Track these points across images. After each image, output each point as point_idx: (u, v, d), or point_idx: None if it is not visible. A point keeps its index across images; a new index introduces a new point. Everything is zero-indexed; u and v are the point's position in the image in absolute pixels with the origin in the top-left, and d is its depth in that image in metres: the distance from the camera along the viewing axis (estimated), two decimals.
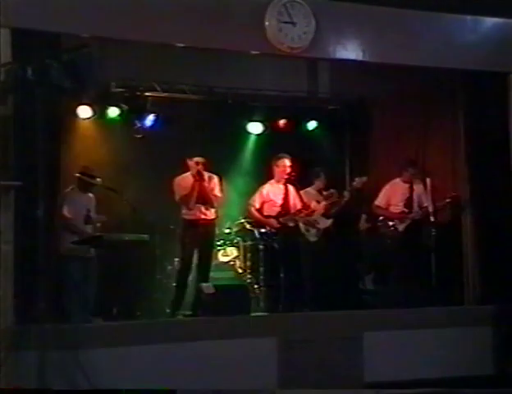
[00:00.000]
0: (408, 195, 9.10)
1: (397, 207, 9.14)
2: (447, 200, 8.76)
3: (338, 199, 9.24)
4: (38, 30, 6.69)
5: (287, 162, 8.86)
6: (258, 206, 8.94)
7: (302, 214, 8.98)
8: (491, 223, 8.46)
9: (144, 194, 9.35)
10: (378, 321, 7.70)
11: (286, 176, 8.83)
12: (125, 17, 7.03)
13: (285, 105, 10.49)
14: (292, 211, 8.87)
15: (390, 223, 9.09)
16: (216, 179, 8.63)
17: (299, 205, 8.88)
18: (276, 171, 8.92)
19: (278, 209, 8.87)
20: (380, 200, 9.23)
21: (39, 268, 6.06)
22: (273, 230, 8.80)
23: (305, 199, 9.02)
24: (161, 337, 6.83)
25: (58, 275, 7.20)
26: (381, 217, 9.23)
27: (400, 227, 9.03)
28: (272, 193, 8.95)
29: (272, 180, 9.01)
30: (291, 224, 8.93)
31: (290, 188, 8.89)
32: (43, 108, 6.22)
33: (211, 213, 8.55)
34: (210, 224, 8.58)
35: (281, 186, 8.90)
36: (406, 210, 9.07)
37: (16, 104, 6.53)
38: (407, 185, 9.14)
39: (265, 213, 8.91)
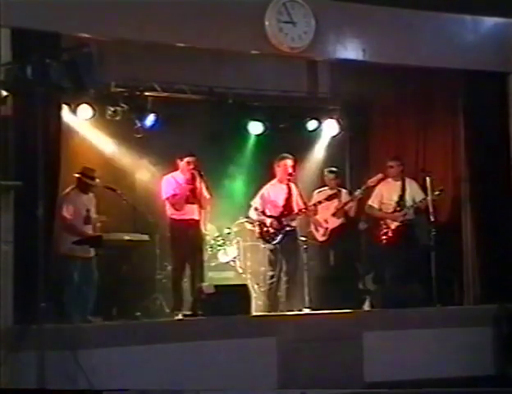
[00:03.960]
0: (400, 193, 9.09)
1: (390, 206, 9.14)
2: (436, 193, 8.74)
3: (352, 195, 9.27)
4: (38, 30, 6.70)
5: (289, 162, 8.85)
6: (260, 207, 8.92)
7: (304, 214, 8.97)
8: (491, 223, 8.47)
9: (144, 194, 9.35)
10: (378, 321, 7.70)
11: (288, 177, 8.82)
12: (125, 17, 7.04)
13: (285, 105, 10.47)
14: (294, 211, 8.85)
15: (384, 222, 9.10)
16: (202, 180, 8.57)
17: (301, 205, 8.87)
18: (278, 171, 8.91)
19: (280, 210, 8.86)
20: (372, 200, 9.24)
21: (39, 268, 6.05)
22: (276, 230, 8.78)
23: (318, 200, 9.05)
24: (161, 337, 6.84)
25: (58, 275, 7.20)
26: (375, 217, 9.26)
27: (393, 225, 9.03)
28: (274, 193, 8.93)
29: (274, 181, 9.01)
30: (294, 224, 8.92)
31: (293, 188, 8.88)
32: (43, 108, 6.23)
33: (198, 214, 8.51)
34: (198, 224, 8.54)
35: (283, 186, 8.89)
36: (399, 208, 9.06)
37: (16, 104, 6.54)
38: (399, 183, 9.13)
39: (267, 214, 8.90)
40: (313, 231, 9.37)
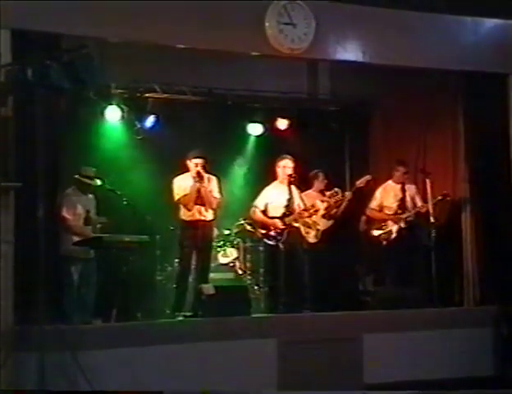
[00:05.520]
0: (401, 196, 9.12)
1: (391, 209, 9.16)
2: (438, 198, 8.77)
3: (341, 198, 9.27)
4: (38, 31, 6.70)
5: (290, 163, 8.84)
6: (262, 208, 8.92)
7: (306, 215, 8.97)
8: (491, 223, 8.48)
9: (145, 195, 9.34)
10: (378, 322, 7.70)
11: (289, 177, 8.82)
12: (126, 18, 7.04)
13: (285, 106, 10.48)
14: (296, 212, 8.85)
15: (384, 224, 9.11)
16: (215, 180, 8.62)
17: (302, 206, 8.87)
18: (279, 172, 8.91)
19: (282, 211, 8.85)
20: (373, 203, 9.26)
21: (39, 269, 6.05)
22: (278, 231, 8.77)
23: (306, 201, 9.01)
24: (161, 338, 6.83)
25: (58, 276, 7.20)
26: (376, 219, 9.26)
27: (394, 228, 9.05)
28: (276, 194, 8.92)
29: (275, 182, 9.00)
30: (296, 225, 8.92)
31: (294, 189, 8.88)
32: (43, 109, 6.23)
33: (209, 215, 8.54)
34: (208, 225, 8.57)
35: (285, 187, 8.88)
36: (400, 211, 9.09)
37: (16, 105, 6.54)
38: (399, 187, 9.16)
39: (269, 215, 8.89)
40: (304, 232, 9.31)
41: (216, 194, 8.55)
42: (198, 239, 8.43)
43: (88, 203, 8.29)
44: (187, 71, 9.49)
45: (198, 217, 8.46)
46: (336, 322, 7.58)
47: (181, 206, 8.52)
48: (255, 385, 6.96)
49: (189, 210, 8.45)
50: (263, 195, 8.96)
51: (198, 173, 8.39)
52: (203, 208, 8.46)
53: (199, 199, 8.43)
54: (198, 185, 8.38)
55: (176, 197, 8.49)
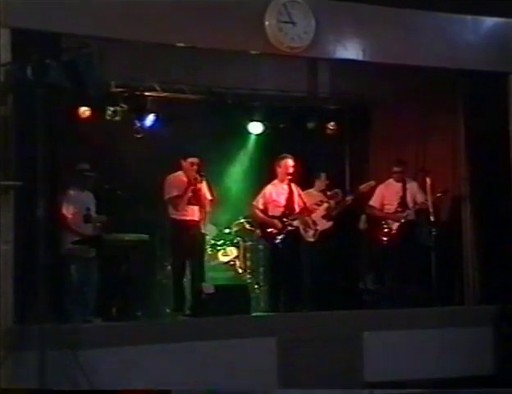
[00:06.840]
0: (401, 194, 9.12)
1: (391, 206, 9.16)
2: (438, 194, 8.78)
3: (342, 200, 9.27)
4: (38, 30, 6.70)
5: (290, 162, 8.85)
6: (261, 206, 8.92)
7: (306, 214, 8.97)
8: (491, 223, 8.47)
9: (144, 194, 9.34)
10: (378, 321, 7.70)
11: (289, 176, 8.83)
12: (125, 17, 7.04)
13: (285, 105, 10.47)
14: (296, 211, 8.86)
15: (385, 222, 9.11)
16: (204, 182, 8.58)
17: (302, 205, 8.87)
18: (279, 171, 8.92)
19: (282, 209, 8.86)
20: (374, 200, 9.27)
21: (39, 268, 6.05)
22: (277, 229, 8.77)
23: (306, 200, 9.01)
24: (161, 338, 6.83)
25: (58, 275, 7.19)
26: (376, 217, 9.27)
27: (395, 226, 9.05)
28: (276, 193, 8.94)
29: (275, 181, 9.01)
30: (295, 224, 8.92)
31: (294, 188, 8.89)
32: (43, 108, 6.22)
33: (200, 215, 8.52)
34: (198, 225, 8.55)
35: (285, 186, 8.90)
36: (400, 209, 9.09)
37: (16, 104, 6.54)
38: (400, 184, 9.16)
39: (269, 214, 8.90)
40: (302, 231, 9.30)
41: (207, 195, 8.54)
42: (191, 238, 8.40)
43: (87, 202, 8.29)
44: (187, 69, 9.48)
45: (190, 217, 8.44)
46: (336, 321, 7.58)
47: (171, 205, 8.49)
48: (255, 384, 6.96)
49: (181, 210, 8.42)
50: (263, 194, 8.97)
51: (194, 173, 8.38)
52: (195, 208, 8.44)
53: (193, 198, 8.42)
54: (193, 185, 8.37)
55: (167, 196, 8.47)
